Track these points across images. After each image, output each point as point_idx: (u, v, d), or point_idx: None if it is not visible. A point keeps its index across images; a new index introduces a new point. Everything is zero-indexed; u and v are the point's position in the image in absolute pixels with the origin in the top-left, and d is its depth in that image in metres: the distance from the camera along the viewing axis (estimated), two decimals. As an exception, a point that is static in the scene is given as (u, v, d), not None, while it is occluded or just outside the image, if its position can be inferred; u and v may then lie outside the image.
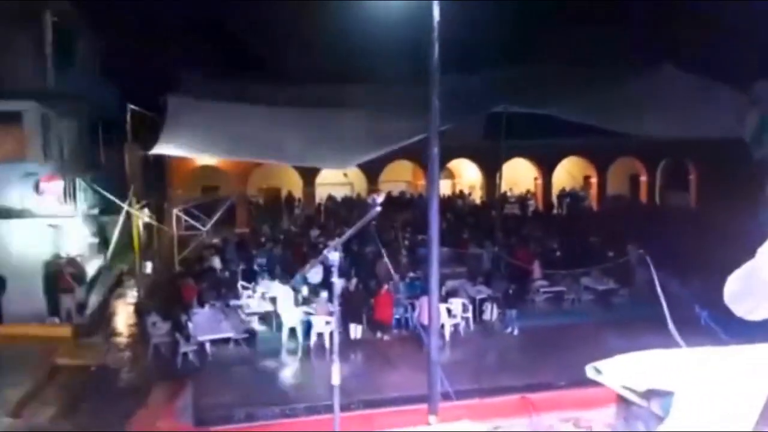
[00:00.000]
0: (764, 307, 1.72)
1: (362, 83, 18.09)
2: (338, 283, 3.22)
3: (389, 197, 29.84)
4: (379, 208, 2.82)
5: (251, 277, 18.08)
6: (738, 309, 1.76)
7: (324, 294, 14.63)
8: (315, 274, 16.16)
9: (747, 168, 17.40)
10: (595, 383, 5.07)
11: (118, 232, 18.91)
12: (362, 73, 21.26)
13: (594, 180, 33.28)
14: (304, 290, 16.02)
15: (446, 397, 8.55)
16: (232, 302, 15.99)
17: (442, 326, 14.55)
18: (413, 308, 15.24)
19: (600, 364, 5.30)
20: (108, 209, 20.21)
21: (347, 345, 14.30)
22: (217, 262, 19.14)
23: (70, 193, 18.00)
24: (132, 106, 20.93)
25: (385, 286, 15.44)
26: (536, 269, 17.98)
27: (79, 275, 17.20)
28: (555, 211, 31.71)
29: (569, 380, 9.86)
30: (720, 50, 20.59)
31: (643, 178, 33.46)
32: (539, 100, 15.97)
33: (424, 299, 13.34)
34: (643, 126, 16.02)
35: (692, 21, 24.08)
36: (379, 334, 14.95)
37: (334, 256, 2.91)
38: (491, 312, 15.65)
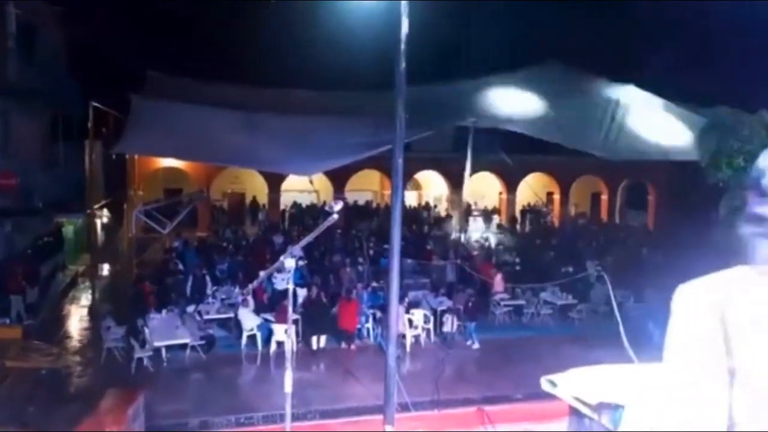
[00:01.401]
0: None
1: (331, 90, 18.08)
2: (293, 289, 3.19)
3: (355, 206, 29.85)
4: (336, 216, 2.81)
5: (212, 282, 17.80)
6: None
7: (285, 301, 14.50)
8: (281, 281, 16.03)
9: (702, 190, 17.95)
10: (550, 396, 5.14)
11: (74, 232, 18.42)
12: (331, 79, 21.28)
13: (557, 197, 33.88)
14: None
15: (404, 408, 8.55)
16: (190, 308, 15.71)
17: (403, 337, 14.58)
18: (375, 318, 15.23)
19: (554, 377, 5.38)
20: (65, 208, 19.71)
21: (308, 354, 14.19)
22: (177, 266, 18.80)
23: (26, 190, 17.51)
24: (95, 103, 20.47)
25: (350, 295, 15.41)
26: (498, 282, 18.17)
27: (31, 276, 16.70)
28: (518, 225, 32.17)
29: (526, 393, 9.98)
30: (679, 73, 21.23)
31: (604, 197, 34.21)
32: (507, 115, 16.20)
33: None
34: (608, 147, 16.39)
35: (653, 43, 24.82)
36: (343, 344, 14.88)
37: (290, 263, 2.89)
38: (452, 324, 15.73)
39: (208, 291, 16.96)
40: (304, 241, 3.15)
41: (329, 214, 2.74)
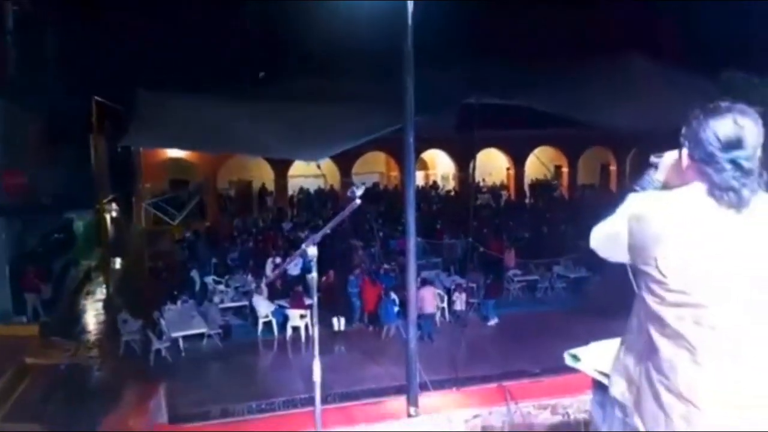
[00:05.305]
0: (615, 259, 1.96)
1: (333, 77, 17.90)
2: (314, 276, 3.15)
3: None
4: (359, 201, 2.74)
5: (224, 271, 17.85)
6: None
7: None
8: (294, 267, 16.08)
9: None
10: (569, 370, 5.08)
11: (84, 227, 18.45)
12: (333, 67, 21.05)
13: (565, 169, 33.61)
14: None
15: (422, 387, 8.54)
16: (205, 300, 15.78)
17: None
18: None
19: (577, 351, 5.34)
20: (73, 203, 19.72)
21: (324, 336, 14.24)
22: (188, 257, 18.87)
23: (33, 188, 17.49)
24: (97, 98, 20.36)
25: (373, 278, 15.56)
26: (510, 258, 18.11)
27: (43, 273, 16.77)
28: (527, 200, 31.99)
29: (544, 368, 9.96)
30: (688, 39, 20.86)
31: (613, 168, 33.91)
32: (511, 90, 15.98)
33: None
34: (615, 118, 16.15)
35: (660, 10, 24.39)
36: (370, 327, 15.03)
37: (312, 251, 2.83)
38: (466, 302, 15.73)
39: (210, 280, 17.01)
40: (325, 228, 3.09)
41: (351, 199, 2.66)
